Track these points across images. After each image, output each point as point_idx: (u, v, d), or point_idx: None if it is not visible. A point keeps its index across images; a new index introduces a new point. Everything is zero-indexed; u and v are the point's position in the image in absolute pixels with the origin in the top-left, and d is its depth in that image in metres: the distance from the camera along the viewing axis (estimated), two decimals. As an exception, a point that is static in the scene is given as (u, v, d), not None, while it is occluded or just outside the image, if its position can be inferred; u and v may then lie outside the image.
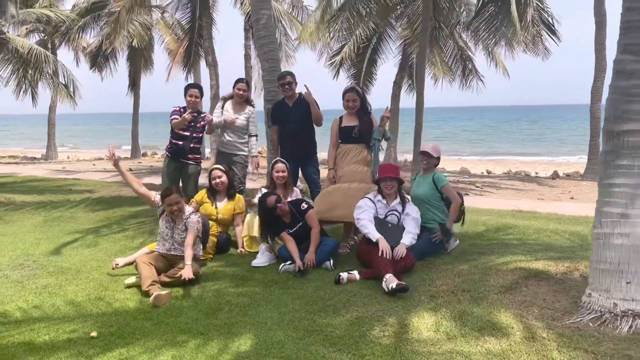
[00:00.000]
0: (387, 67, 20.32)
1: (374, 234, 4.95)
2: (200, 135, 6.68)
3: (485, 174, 18.47)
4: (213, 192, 6.14)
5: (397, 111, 18.25)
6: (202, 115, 6.65)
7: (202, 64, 19.89)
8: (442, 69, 18.01)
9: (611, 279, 3.45)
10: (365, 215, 5.12)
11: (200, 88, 6.68)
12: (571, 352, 3.05)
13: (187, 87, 6.63)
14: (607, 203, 3.54)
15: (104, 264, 5.59)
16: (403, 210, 5.22)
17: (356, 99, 5.88)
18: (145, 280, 4.62)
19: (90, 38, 23.38)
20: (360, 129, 5.87)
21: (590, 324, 3.38)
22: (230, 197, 6.16)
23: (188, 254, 4.84)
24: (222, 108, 6.77)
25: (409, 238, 4.99)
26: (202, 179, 6.84)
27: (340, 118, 6.01)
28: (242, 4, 17.36)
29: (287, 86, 6.32)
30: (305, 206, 5.49)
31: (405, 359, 3.20)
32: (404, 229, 5.11)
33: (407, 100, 20.79)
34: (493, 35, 11.48)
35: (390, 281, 4.32)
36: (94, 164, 20.12)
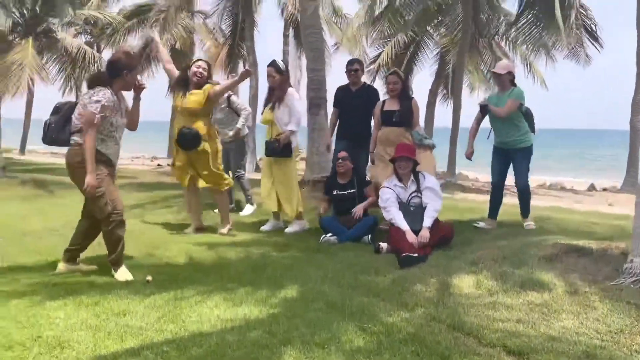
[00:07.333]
0: (423, 76, 20.52)
1: (403, 226, 4.95)
2: None
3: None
4: (186, 83, 5.58)
5: (432, 118, 18.36)
6: None
7: (240, 68, 20.46)
8: (478, 77, 18.07)
9: (654, 243, 3.50)
10: (391, 204, 5.12)
11: None
12: (614, 303, 3.12)
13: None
14: (652, 171, 3.61)
15: (151, 230, 5.86)
16: (419, 185, 5.20)
17: (397, 82, 6.01)
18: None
19: (134, 41, 24.24)
20: (401, 113, 6.00)
21: (632, 285, 3.43)
22: (200, 87, 5.53)
23: None
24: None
25: (429, 219, 4.98)
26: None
27: (383, 102, 6.16)
28: (283, 10, 17.71)
29: (353, 72, 6.42)
30: (369, 179, 5.83)
31: (448, 307, 3.31)
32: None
33: (444, 110, 20.74)
34: (534, 41, 11.53)
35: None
36: (132, 160, 20.73)
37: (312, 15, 7.67)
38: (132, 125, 4.36)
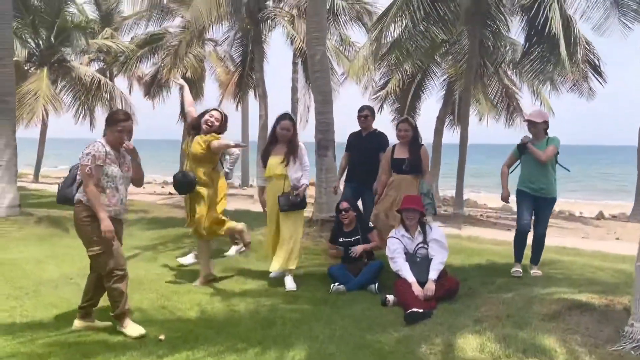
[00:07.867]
0: (430, 103, 20.65)
1: (409, 277, 5.05)
2: None
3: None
4: (197, 129, 5.72)
5: (439, 146, 18.46)
6: None
7: (250, 96, 20.85)
8: (487, 105, 18.20)
9: (654, 309, 3.59)
10: (398, 255, 5.21)
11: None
12: (613, 376, 3.21)
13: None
14: (651, 237, 3.71)
15: (164, 277, 6.00)
16: (425, 237, 5.32)
17: (408, 129, 6.13)
18: None
19: (146, 68, 24.72)
20: (410, 162, 6.10)
21: (632, 352, 3.52)
22: (206, 133, 5.62)
23: None
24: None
25: (435, 272, 5.07)
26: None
27: (394, 147, 6.27)
28: (292, 41, 17.96)
29: (363, 118, 6.84)
30: (372, 225, 6.04)
31: (451, 374, 3.41)
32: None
33: (451, 136, 20.88)
34: (539, 76, 11.68)
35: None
36: (144, 187, 20.95)
37: (321, 59, 7.87)
38: (135, 182, 4.55)
